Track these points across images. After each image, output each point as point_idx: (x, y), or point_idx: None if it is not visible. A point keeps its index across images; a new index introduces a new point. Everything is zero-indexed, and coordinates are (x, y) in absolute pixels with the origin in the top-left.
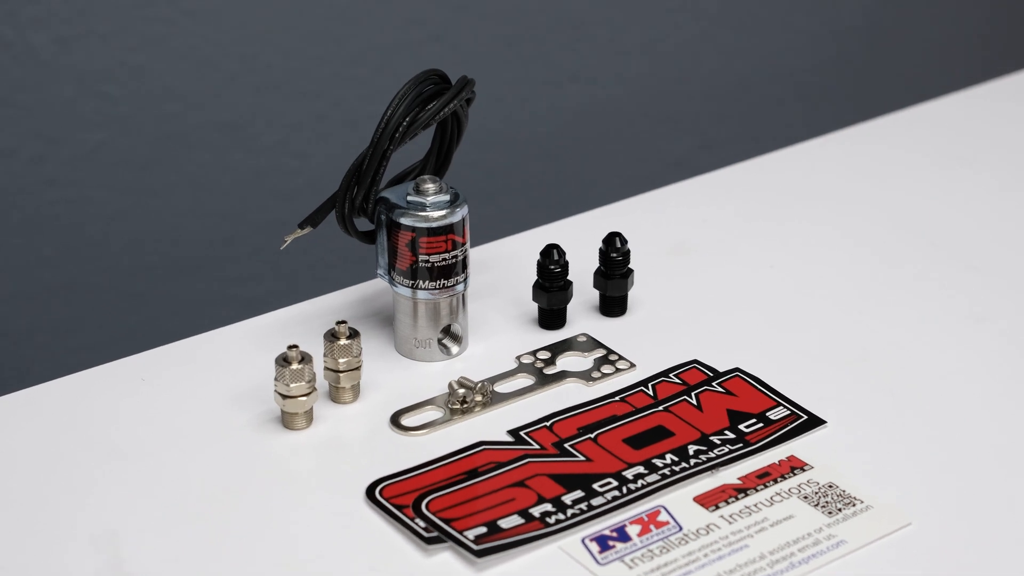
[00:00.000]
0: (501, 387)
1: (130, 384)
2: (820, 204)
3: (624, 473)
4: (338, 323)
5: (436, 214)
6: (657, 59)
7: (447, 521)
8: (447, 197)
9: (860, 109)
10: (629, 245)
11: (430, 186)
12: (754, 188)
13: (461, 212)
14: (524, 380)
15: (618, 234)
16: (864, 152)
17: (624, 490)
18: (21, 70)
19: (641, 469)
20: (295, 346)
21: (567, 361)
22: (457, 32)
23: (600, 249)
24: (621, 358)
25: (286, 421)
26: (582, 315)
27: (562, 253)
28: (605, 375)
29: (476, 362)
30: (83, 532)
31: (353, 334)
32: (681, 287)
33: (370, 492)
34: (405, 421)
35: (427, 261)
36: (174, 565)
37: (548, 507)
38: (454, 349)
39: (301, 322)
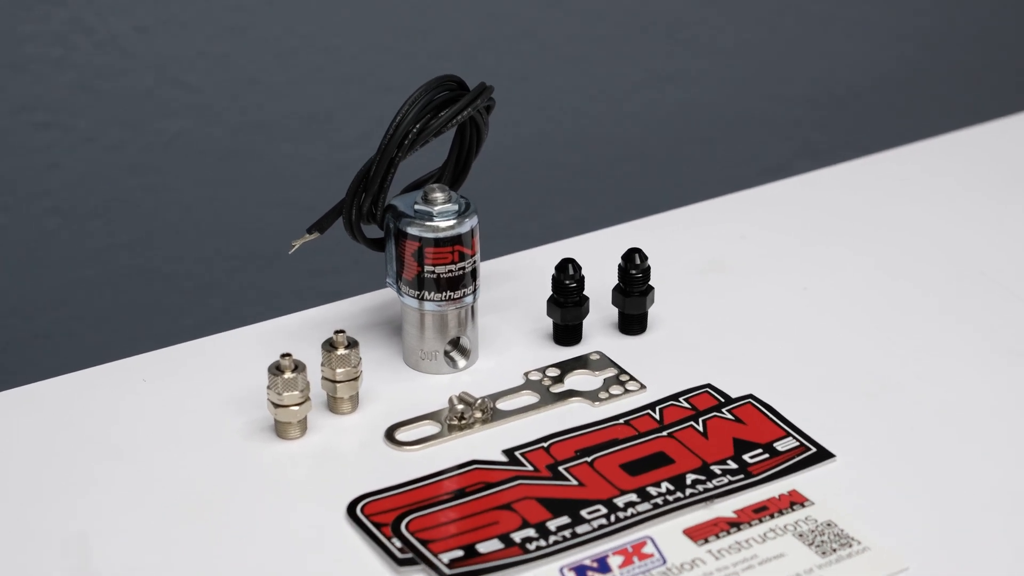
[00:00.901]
0: (504, 404)
1: (131, 384)
2: (867, 225)
3: (615, 500)
4: (336, 332)
5: (443, 224)
6: (756, 62)
7: (424, 542)
8: (455, 207)
9: (932, 124)
10: (662, 261)
11: (439, 195)
12: (802, 204)
13: (470, 223)
14: (528, 398)
15: (638, 250)
16: (919, 173)
17: (612, 518)
18: (102, 57)
19: (633, 497)
20: (288, 355)
21: (576, 380)
22: (546, 29)
23: (619, 265)
24: (632, 379)
25: (279, 430)
26: (600, 332)
27: (578, 268)
28: (613, 396)
29: (483, 376)
30: (55, 533)
31: (352, 344)
32: (708, 306)
33: (351, 508)
34: (400, 435)
35: (433, 272)
36: (139, 571)
37: (531, 532)
38: (461, 363)
39: (314, 327)
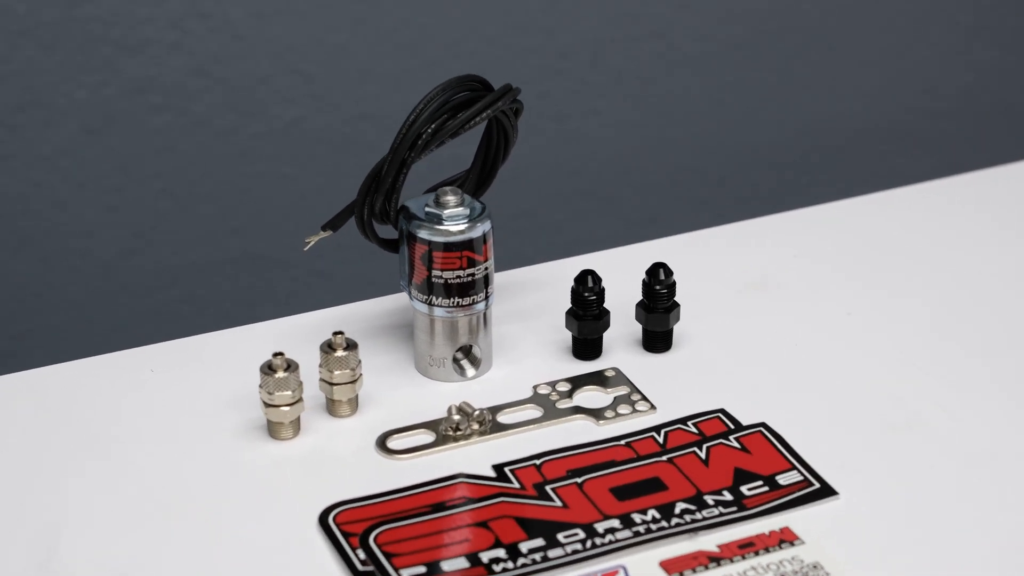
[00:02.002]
0: (505, 417)
1: (137, 374)
2: (935, 252)
3: (596, 525)
4: (335, 334)
5: (453, 228)
6: (896, 73)
7: (389, 556)
8: (467, 211)
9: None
10: (703, 277)
11: (450, 198)
12: (864, 226)
13: (482, 228)
14: (532, 412)
15: (663, 265)
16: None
17: (588, 544)
18: (217, 42)
19: (615, 523)
20: (280, 353)
21: (585, 396)
22: (673, 30)
23: (643, 280)
24: (644, 399)
25: (271, 430)
26: (622, 348)
27: (598, 280)
28: (620, 415)
29: (493, 387)
30: (29, 522)
31: (351, 346)
32: (741, 327)
33: (324, 515)
34: (392, 443)
35: (440, 277)
36: (102, 563)
37: (500, 553)
38: (470, 371)
39: (333, 326)
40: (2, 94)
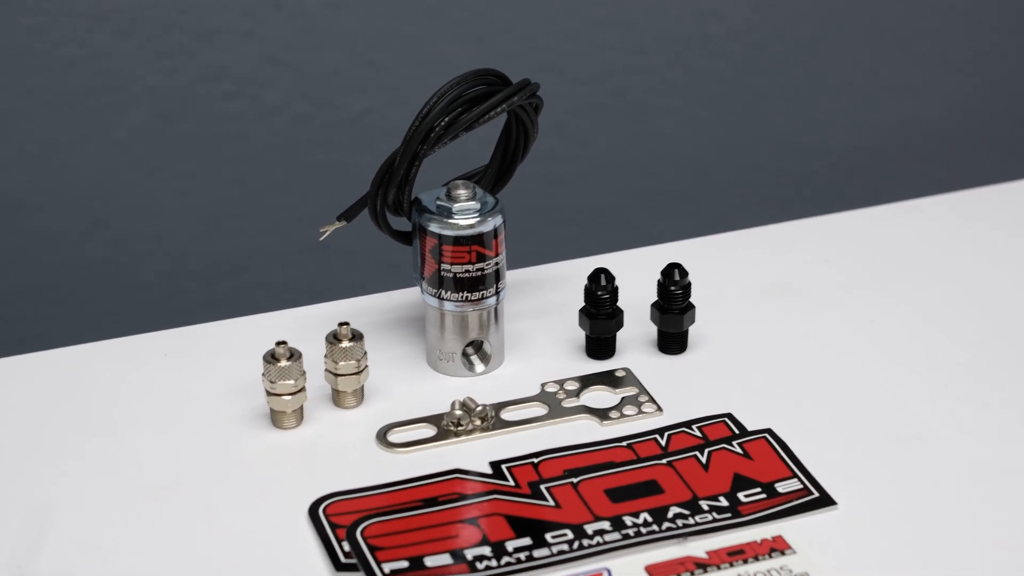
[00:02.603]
0: (510, 414)
1: (152, 358)
2: (962, 259)
3: (585, 526)
4: (340, 324)
5: (463, 222)
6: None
7: (373, 549)
8: (477, 205)
9: None
10: (729, 279)
11: (462, 192)
12: (914, 230)
13: (493, 222)
14: (537, 410)
15: (678, 265)
16: None
17: (576, 545)
18: (291, 31)
19: (605, 525)
20: (283, 342)
21: (593, 396)
22: (757, 29)
23: (658, 280)
24: (651, 400)
25: (273, 418)
26: (637, 348)
27: (611, 279)
28: (625, 416)
29: (501, 383)
30: (24, 499)
31: (356, 337)
32: (762, 331)
33: (314, 507)
34: (392, 437)
35: (449, 271)
36: (89, 544)
37: (485, 551)
38: (479, 367)
39: (352, 316)
40: (78, 78)
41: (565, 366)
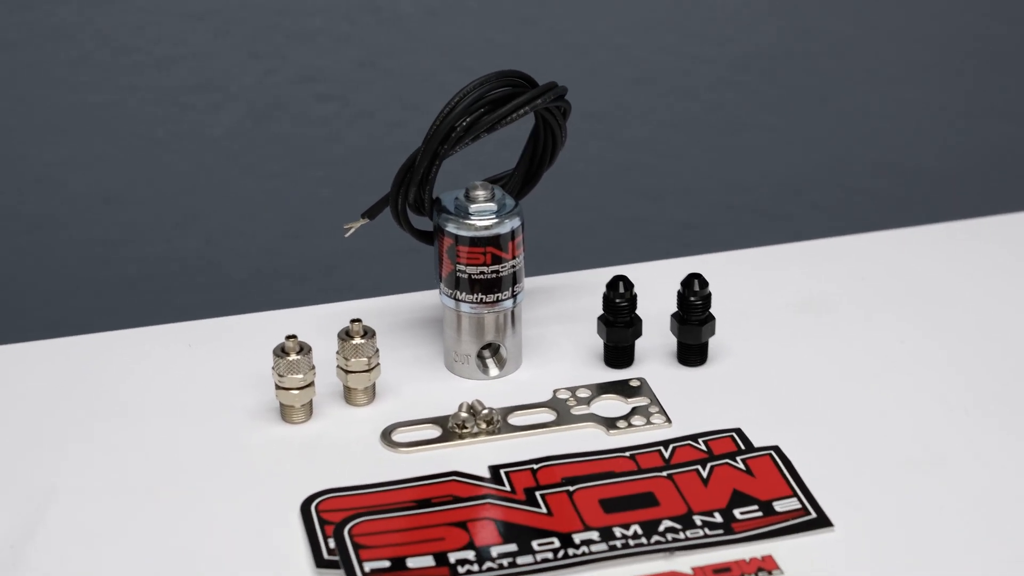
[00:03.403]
0: (517, 419)
1: (175, 348)
2: (1009, 285)
3: (574, 536)
4: (352, 321)
5: (479, 223)
6: None
7: (357, 547)
8: (494, 207)
9: None
10: (762, 292)
11: (480, 193)
12: (954, 252)
13: (510, 224)
14: (545, 416)
15: (698, 276)
16: None
17: (560, 554)
18: (387, 35)
19: (594, 535)
20: (293, 336)
21: (603, 404)
22: (852, 48)
23: (678, 291)
24: (661, 411)
25: (282, 412)
26: (657, 358)
27: (629, 286)
28: (633, 427)
29: (515, 387)
30: (29, 481)
31: (368, 334)
32: (785, 347)
33: (307, 503)
34: (396, 436)
35: (464, 272)
36: (84, 530)
37: (469, 555)
38: (493, 369)
39: (379, 314)
40: (175, 75)
41: (582, 373)
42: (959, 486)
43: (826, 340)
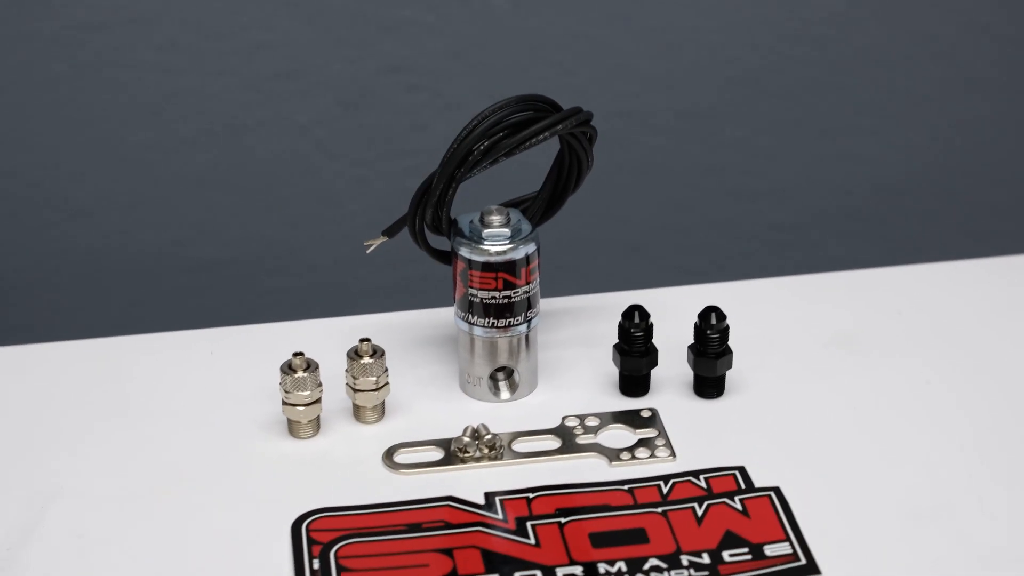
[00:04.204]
0: (521, 445)
1: (197, 353)
2: None
3: (557, 569)
4: (362, 340)
5: (493, 248)
6: None
7: (341, 570)
8: (508, 232)
9: None
10: (791, 323)
11: (495, 218)
12: (994, 287)
13: (524, 250)
14: (550, 443)
15: (715, 308)
16: None
17: None
18: (476, 27)
19: (578, 570)
20: (300, 353)
21: (610, 434)
22: (957, 52)
23: (695, 323)
24: (667, 444)
25: (289, 427)
26: (673, 388)
27: (645, 316)
28: (636, 459)
29: (525, 412)
30: (30, 484)
31: (377, 353)
32: (806, 383)
33: (298, 521)
34: (398, 457)
35: (475, 296)
36: (77, 534)
37: None
38: (504, 393)
39: (401, 330)
40: (263, 61)
41: (595, 401)
42: (961, 541)
43: (850, 378)
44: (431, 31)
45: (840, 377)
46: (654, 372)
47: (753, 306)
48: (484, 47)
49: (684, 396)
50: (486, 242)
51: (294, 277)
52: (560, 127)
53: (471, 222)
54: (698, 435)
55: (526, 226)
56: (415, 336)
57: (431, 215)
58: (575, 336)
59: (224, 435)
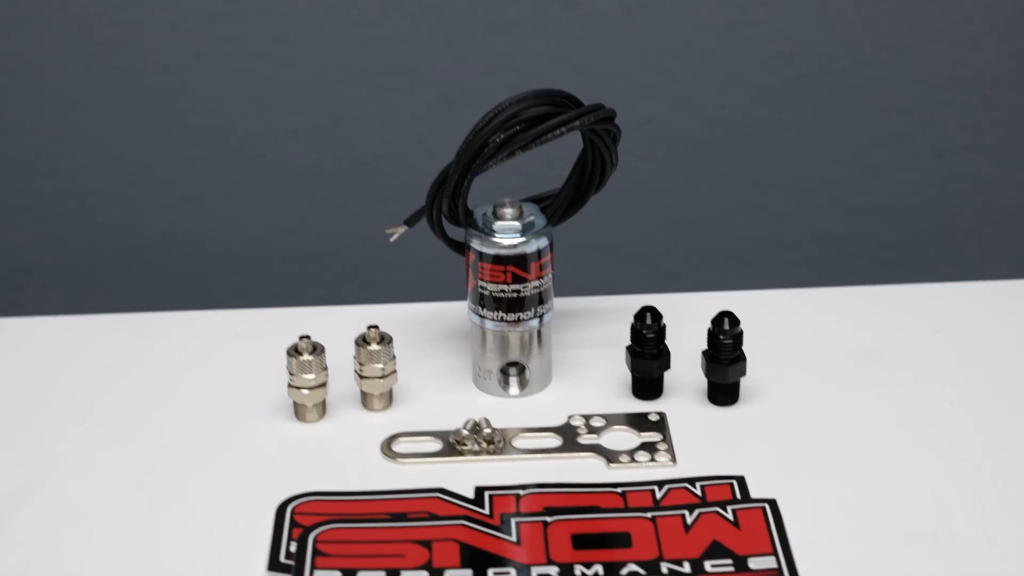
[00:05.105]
0: (521, 441)
1: (222, 335)
2: None
3: (532, 568)
4: (369, 327)
5: (504, 241)
6: None
7: (316, 554)
8: (518, 226)
9: None
10: (815, 335)
11: (507, 211)
12: None
13: (536, 244)
14: (550, 441)
15: (729, 314)
16: None
17: None
18: (583, 31)
19: (553, 571)
20: (307, 337)
21: (614, 436)
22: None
23: (708, 329)
24: (669, 449)
25: (295, 410)
26: (687, 394)
27: (657, 318)
28: (635, 462)
29: (530, 408)
30: (36, 452)
31: (385, 340)
32: (824, 396)
33: (284, 504)
34: (396, 446)
35: (484, 289)
36: (69, 508)
37: (421, 575)
38: (512, 388)
39: (427, 320)
40: (368, 58)
41: (606, 402)
42: (952, 564)
43: (873, 394)
44: (537, 33)
45: (863, 393)
46: (672, 377)
47: (786, 316)
48: (589, 51)
49: (698, 402)
50: (497, 235)
51: (395, 271)
52: (578, 123)
53: (484, 214)
54: (704, 442)
55: (540, 221)
56: (440, 327)
57: (447, 206)
58: (597, 336)
59: (230, 415)
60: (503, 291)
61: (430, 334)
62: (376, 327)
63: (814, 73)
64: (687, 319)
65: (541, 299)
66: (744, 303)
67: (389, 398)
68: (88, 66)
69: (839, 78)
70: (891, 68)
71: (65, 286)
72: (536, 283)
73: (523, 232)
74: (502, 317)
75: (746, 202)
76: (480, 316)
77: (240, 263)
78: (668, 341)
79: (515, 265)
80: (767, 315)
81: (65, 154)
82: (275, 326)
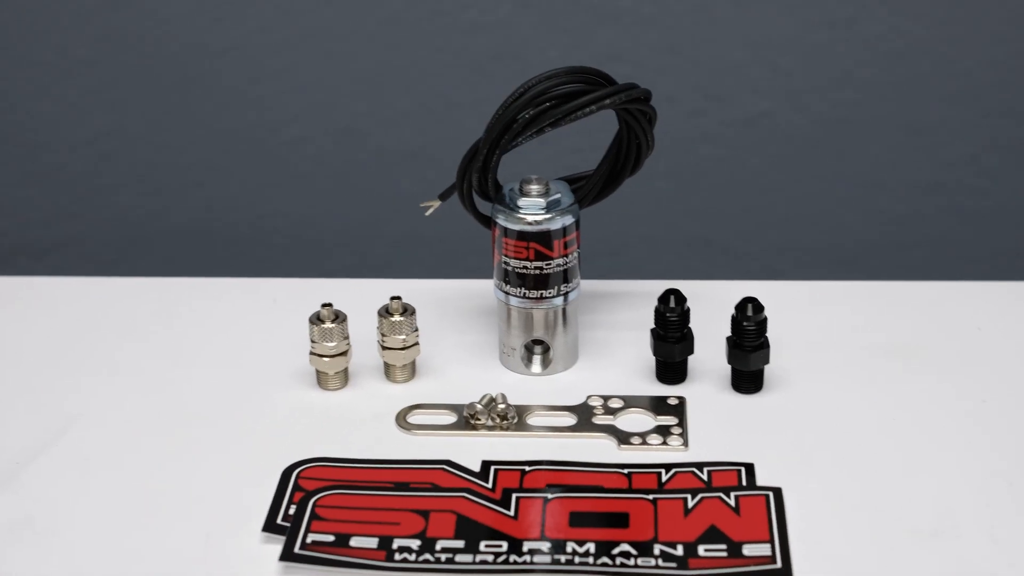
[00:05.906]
0: (536, 419)
1: (261, 302)
2: None
3: (524, 543)
4: (392, 299)
5: (528, 217)
6: None
7: (313, 518)
8: (543, 203)
9: None
10: (852, 329)
11: (533, 187)
12: None
13: (561, 222)
14: (565, 420)
15: (753, 300)
16: None
17: (500, 559)
18: (694, 24)
19: (544, 546)
20: (329, 304)
21: (630, 418)
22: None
23: (732, 315)
24: (682, 434)
25: (318, 378)
26: (711, 380)
27: (681, 301)
28: (647, 445)
29: (551, 387)
30: (58, 405)
31: (408, 311)
32: (847, 388)
33: (290, 468)
34: (411, 417)
35: (508, 264)
36: (81, 459)
37: (413, 544)
38: (535, 366)
39: (465, 296)
40: (481, 44)
41: (629, 384)
42: (950, 562)
43: (902, 389)
44: (648, 23)
45: (891, 387)
46: (699, 363)
47: (823, 307)
48: (701, 43)
49: (722, 390)
50: (521, 211)
51: (463, 260)
52: (608, 101)
53: (511, 189)
54: (720, 429)
55: (567, 199)
56: (475, 303)
57: (477, 180)
58: (631, 319)
59: (254, 379)
60: (526, 267)
61: (463, 310)
62: (399, 298)
63: (925, 72)
64: (728, 306)
65: (566, 277)
66: (791, 293)
67: (412, 370)
68: (203, 43)
69: (956, 80)
70: (1015, 71)
71: (172, 253)
72: (560, 261)
73: (548, 209)
74: (525, 294)
75: (854, 200)
76: (505, 292)
77: (344, 243)
78: (700, 327)
79: (538, 242)
80: (809, 305)
81: (178, 129)
82: (318, 296)
